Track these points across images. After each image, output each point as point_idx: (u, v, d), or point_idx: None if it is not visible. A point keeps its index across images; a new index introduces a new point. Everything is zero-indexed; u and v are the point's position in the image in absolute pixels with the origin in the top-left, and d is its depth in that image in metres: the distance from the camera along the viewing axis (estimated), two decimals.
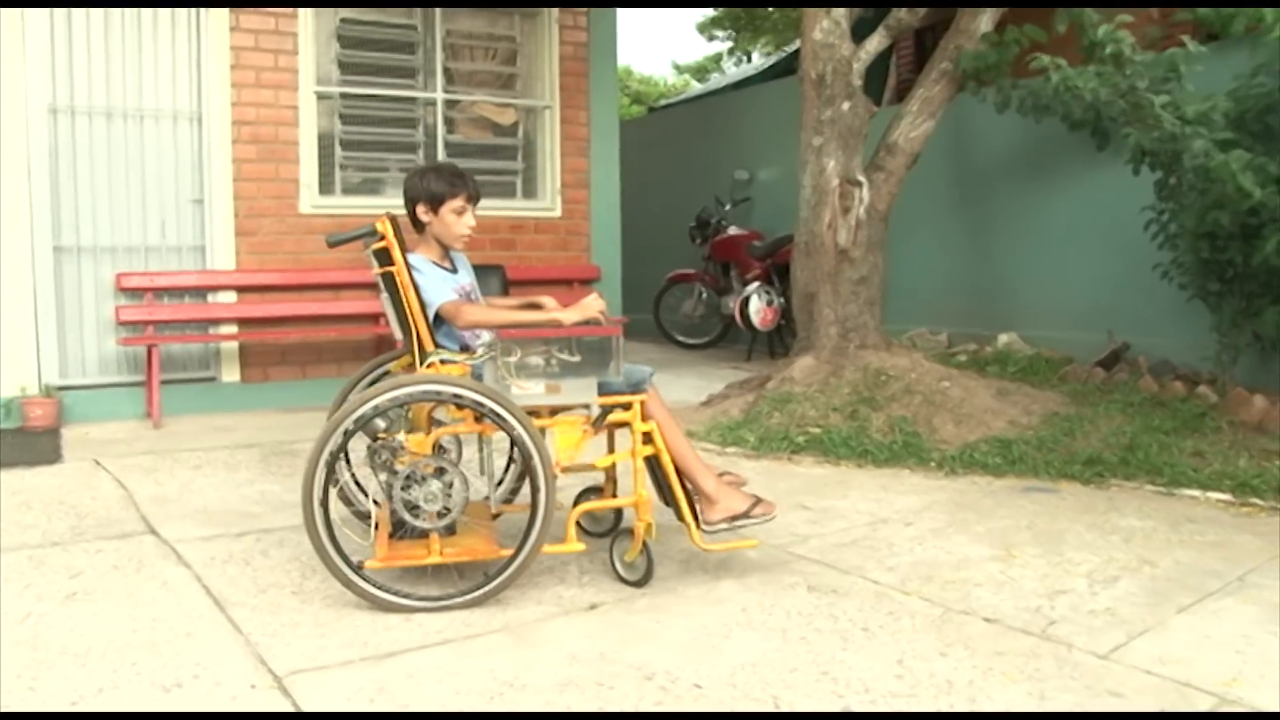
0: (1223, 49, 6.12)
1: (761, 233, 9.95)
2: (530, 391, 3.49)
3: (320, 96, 7.50)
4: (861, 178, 6.73)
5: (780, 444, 5.78)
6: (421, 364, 3.63)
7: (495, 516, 3.90)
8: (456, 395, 3.41)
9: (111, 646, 3.07)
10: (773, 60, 16.74)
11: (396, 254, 3.61)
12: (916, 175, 7.34)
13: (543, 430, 3.53)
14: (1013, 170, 8.15)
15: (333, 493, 3.44)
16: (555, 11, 8.31)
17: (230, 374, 7.28)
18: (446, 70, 7.98)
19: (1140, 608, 3.49)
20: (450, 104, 8.04)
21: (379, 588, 3.40)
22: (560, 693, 2.80)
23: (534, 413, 3.53)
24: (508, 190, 8.32)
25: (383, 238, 3.61)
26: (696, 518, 3.67)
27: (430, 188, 3.80)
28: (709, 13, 20.75)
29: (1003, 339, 7.95)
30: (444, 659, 3.03)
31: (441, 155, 7.92)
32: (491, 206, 8.07)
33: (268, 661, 2.99)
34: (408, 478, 3.38)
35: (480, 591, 3.44)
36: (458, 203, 3.80)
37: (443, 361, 3.63)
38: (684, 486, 3.68)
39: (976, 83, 7.00)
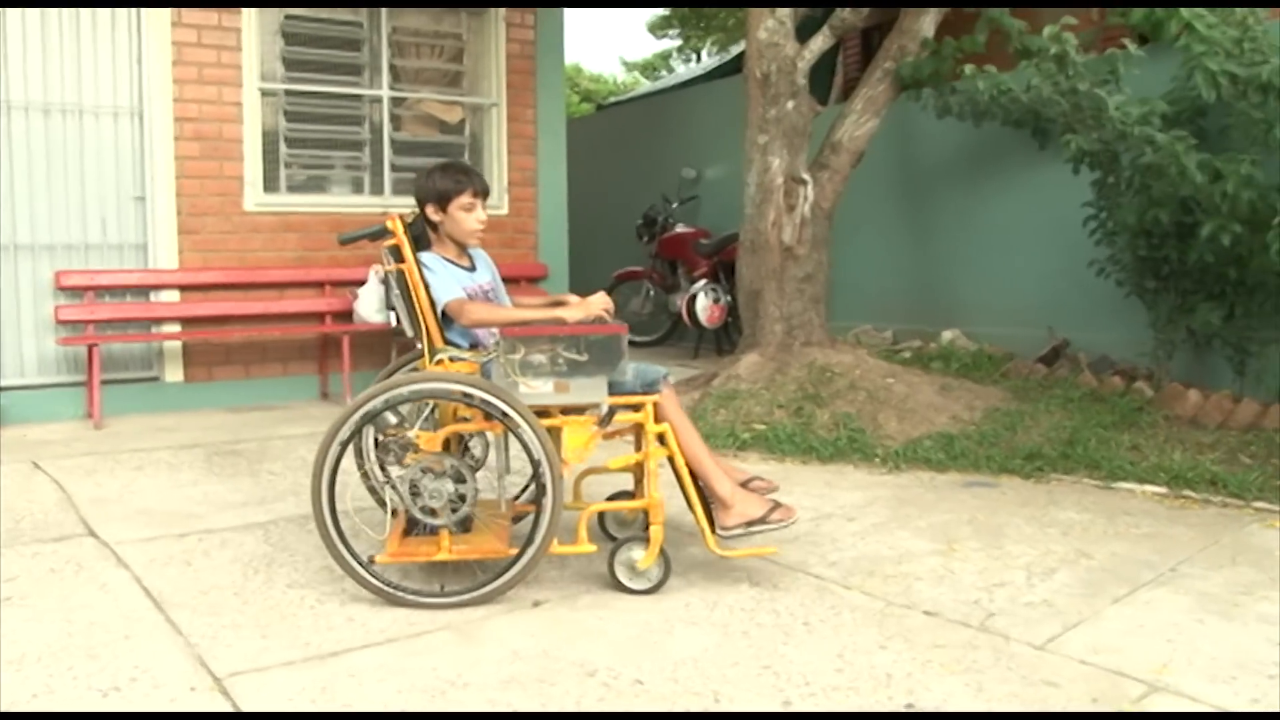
0: (1155, 53, 6.22)
1: (709, 230, 9.99)
2: (538, 390, 3.46)
3: (265, 93, 7.45)
4: (806, 176, 6.78)
5: (726, 440, 5.81)
6: (431, 361, 3.64)
7: (517, 519, 3.85)
8: (465, 393, 3.42)
9: (47, 651, 3.03)
10: (721, 59, 16.79)
11: (407, 251, 3.62)
12: (861, 173, 7.41)
13: (554, 429, 3.52)
14: (956, 168, 8.25)
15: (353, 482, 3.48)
16: (502, 9, 8.29)
17: (174, 374, 7.20)
18: (393, 67, 7.94)
19: (1076, 599, 3.56)
20: (396, 101, 8.00)
21: (387, 583, 3.42)
22: (503, 690, 2.81)
23: (544, 412, 3.50)
24: None
25: (393, 235, 3.61)
26: (713, 523, 3.63)
27: (437, 186, 3.77)
28: (659, 11, 20.77)
29: (946, 335, 8.04)
30: (387, 658, 3.03)
31: (388, 153, 7.89)
32: None
33: (208, 663, 2.97)
34: (417, 475, 3.40)
35: (487, 589, 3.44)
36: (465, 199, 3.77)
37: (451, 359, 3.63)
38: (700, 491, 3.64)
39: (916, 88, 7.08)
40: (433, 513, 3.43)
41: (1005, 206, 7.87)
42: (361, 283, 7.50)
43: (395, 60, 7.97)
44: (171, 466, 5.43)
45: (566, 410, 3.56)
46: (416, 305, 3.65)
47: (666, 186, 10.43)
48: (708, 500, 3.64)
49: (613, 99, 20.69)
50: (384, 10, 7.80)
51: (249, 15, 7.29)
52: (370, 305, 7.43)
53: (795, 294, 6.78)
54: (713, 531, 3.61)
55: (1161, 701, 2.77)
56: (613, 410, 3.59)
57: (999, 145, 7.72)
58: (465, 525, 3.56)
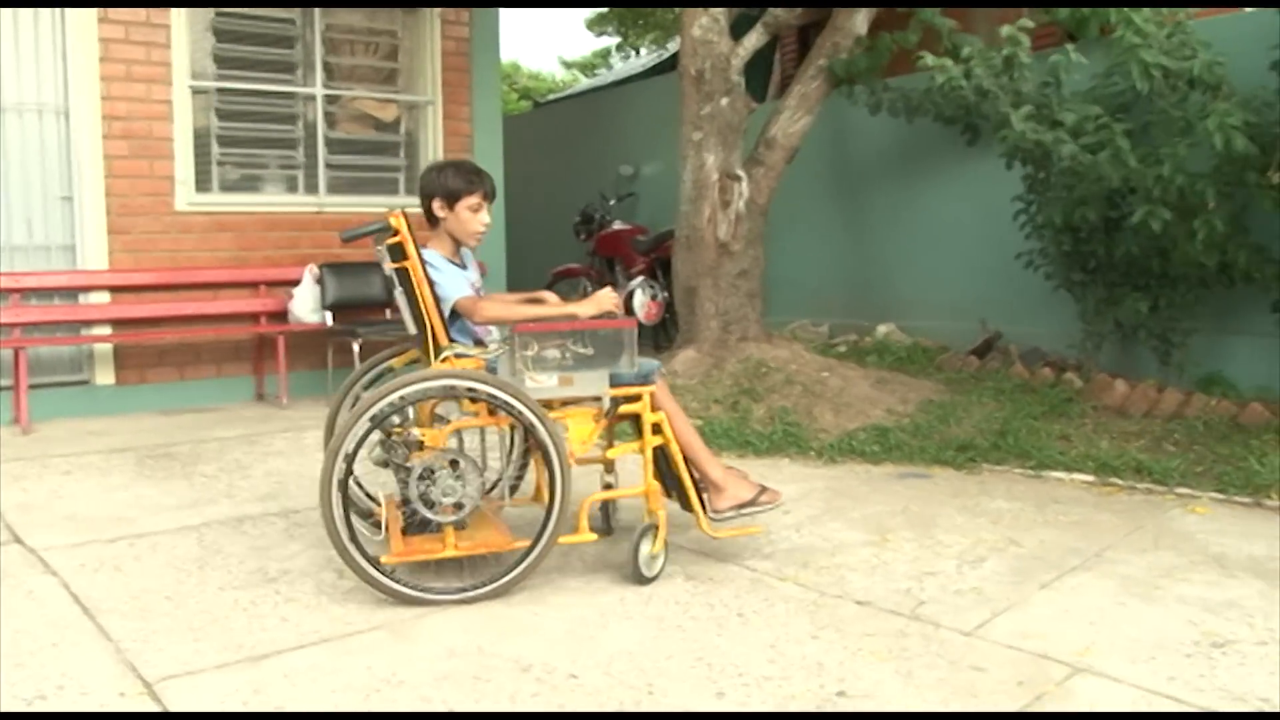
0: (1083, 48, 6.34)
1: (646, 227, 10.01)
2: (544, 384, 3.52)
3: (195, 91, 7.35)
4: (741, 172, 6.83)
5: None
6: (436, 358, 3.62)
7: (498, 509, 3.95)
8: (471, 389, 3.46)
9: None
10: (659, 56, 16.82)
11: (411, 249, 3.58)
12: (796, 169, 7.47)
13: (559, 422, 3.59)
14: (889, 164, 8.33)
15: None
16: (437, 8, 8.25)
17: (104, 377, 7.09)
18: (327, 65, 7.88)
19: (1005, 586, 3.63)
20: (331, 99, 7.94)
21: (400, 582, 3.42)
22: (437, 687, 2.81)
23: (548, 405, 3.57)
24: (390, 187, 8.25)
25: (397, 233, 3.58)
26: (704, 506, 3.75)
27: (448, 184, 3.76)
28: (597, 9, 20.75)
29: (881, 329, 8.13)
30: (321, 658, 3.01)
31: (322, 151, 7.83)
32: (373, 203, 8.01)
33: (138, 668, 2.93)
34: (425, 472, 3.42)
35: (502, 581, 3.48)
36: (474, 199, 3.76)
37: (458, 356, 3.63)
38: (691, 476, 3.74)
39: (849, 84, 7.15)
40: (444, 509, 3.45)
41: (938, 201, 7.97)
42: (297, 283, 7.45)
43: (329, 58, 7.91)
44: (101, 471, 5.36)
45: (569, 403, 3.66)
46: (421, 303, 3.62)
47: (604, 184, 10.44)
48: (698, 485, 3.76)
49: (551, 96, 20.66)
50: (317, 8, 7.73)
51: (179, 11, 7.19)
52: (305, 305, 7.38)
53: (731, 290, 6.82)
54: (705, 514, 3.73)
55: (1084, 683, 2.83)
56: (616, 402, 3.65)
57: (931, 141, 7.81)
58: (463, 521, 3.58)
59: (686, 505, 3.77)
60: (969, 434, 5.71)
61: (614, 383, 3.61)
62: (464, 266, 3.87)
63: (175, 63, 7.20)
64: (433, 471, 3.42)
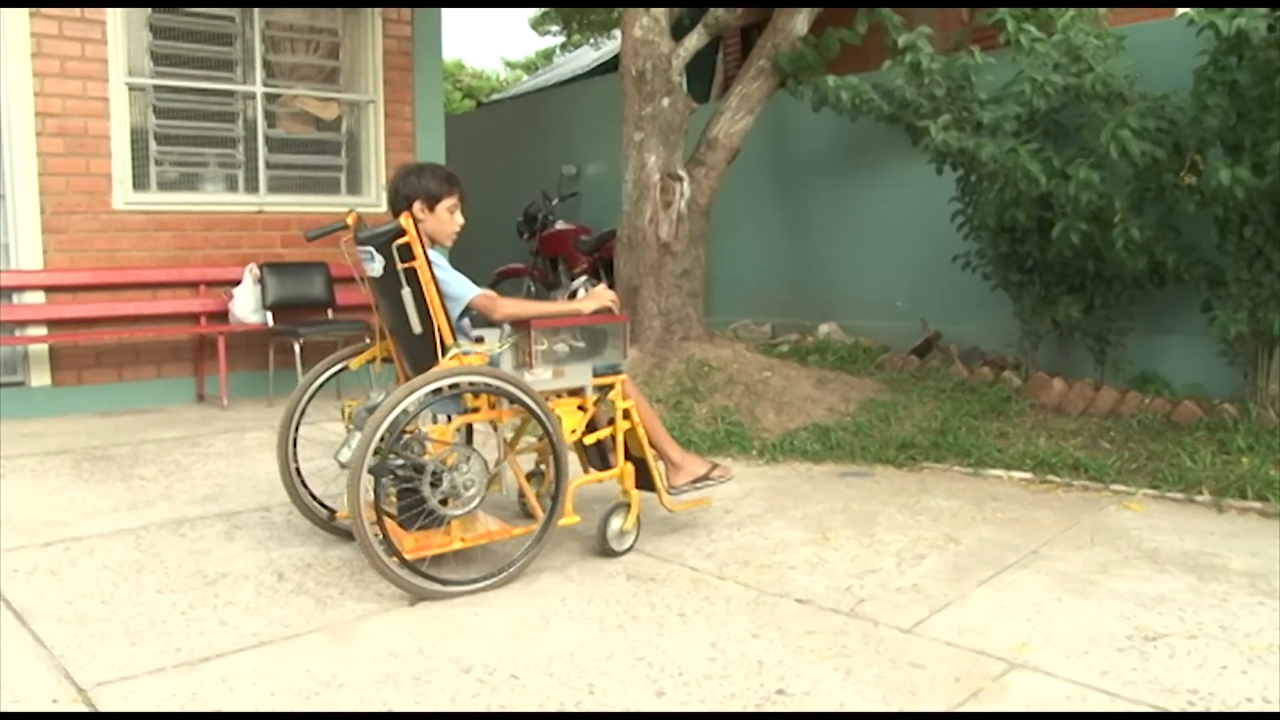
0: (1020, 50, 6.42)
1: (589, 227, 10.01)
2: (542, 377, 3.80)
3: (132, 88, 7.23)
4: (682, 172, 6.85)
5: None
6: (444, 356, 3.66)
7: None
8: (487, 384, 3.61)
9: None
10: (602, 57, 16.79)
11: (419, 250, 3.63)
12: (738, 170, 7.51)
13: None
14: (830, 164, 8.40)
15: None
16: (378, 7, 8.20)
17: (40, 378, 6.96)
18: (267, 63, 7.79)
19: (943, 583, 3.67)
20: (271, 98, 7.85)
21: (423, 576, 3.48)
22: (377, 689, 2.80)
23: (544, 397, 3.79)
24: (331, 186, 8.18)
25: (405, 233, 3.62)
26: (664, 484, 4.11)
27: (428, 186, 3.89)
28: (539, 8, 20.68)
29: (823, 329, 8.19)
30: (260, 661, 2.99)
31: (262, 150, 7.74)
32: (314, 202, 7.96)
33: (72, 674, 2.89)
34: (439, 467, 3.51)
35: (511, 569, 3.62)
36: (452, 200, 3.94)
37: (464, 353, 3.69)
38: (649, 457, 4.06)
39: (795, 81, 7.20)
40: (446, 502, 3.54)
41: (879, 202, 8.04)
42: (237, 283, 7.37)
43: (269, 56, 7.81)
44: (36, 474, 5.26)
45: (558, 394, 3.92)
46: (428, 302, 3.66)
47: (547, 183, 10.42)
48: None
49: (494, 96, 20.57)
50: (256, 7, 7.64)
51: (114, 8, 7.07)
52: (246, 305, 7.30)
53: (673, 289, 6.85)
54: (665, 491, 4.11)
55: (1020, 678, 2.87)
56: (605, 389, 3.96)
57: (873, 141, 7.88)
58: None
59: (649, 484, 4.06)
60: (910, 433, 5.77)
61: (593, 373, 3.91)
62: None
63: (111, 59, 7.08)
64: (446, 466, 3.51)
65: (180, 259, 7.42)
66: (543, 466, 4.25)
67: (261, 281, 7.33)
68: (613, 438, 4.02)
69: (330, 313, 7.63)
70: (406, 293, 3.66)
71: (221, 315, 7.38)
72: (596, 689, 2.80)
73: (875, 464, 5.48)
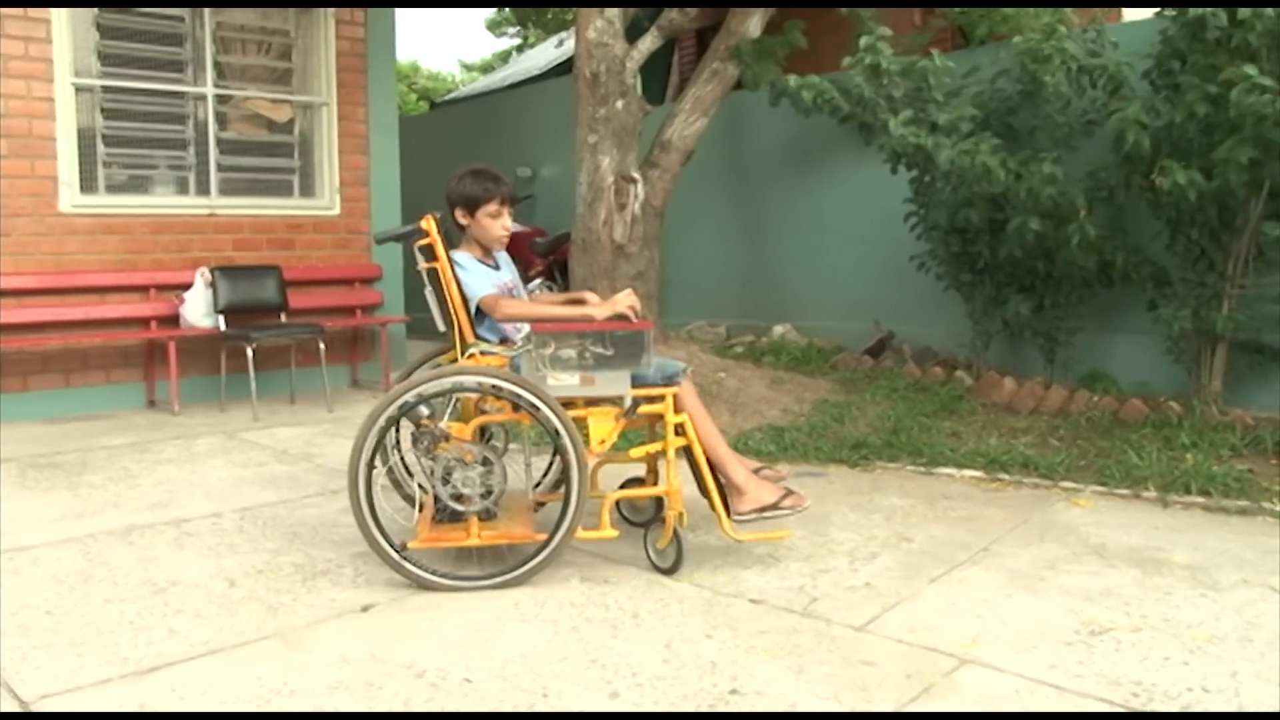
0: (969, 56, 6.51)
1: (544, 229, 10.01)
2: (565, 383, 3.65)
3: (79, 89, 7.14)
4: (636, 174, 6.87)
5: None
6: (462, 355, 3.75)
7: (539, 506, 4.07)
8: (495, 386, 3.57)
9: None
10: (556, 59, 16.76)
11: (440, 250, 3.73)
12: (693, 172, 7.53)
13: (580, 420, 3.70)
14: (784, 167, 8.45)
15: (380, 474, 3.61)
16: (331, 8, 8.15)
17: None
18: (218, 64, 7.72)
19: (895, 581, 3.70)
20: (222, 99, 7.78)
21: (420, 567, 3.58)
22: (330, 696, 2.78)
23: (569, 403, 3.70)
24: (284, 189, 8.12)
25: (427, 234, 3.73)
26: (728, 508, 3.79)
27: (465, 192, 3.92)
28: (494, 8, 20.61)
29: (778, 330, 8.23)
30: (211, 670, 2.96)
31: (213, 152, 7.67)
32: (266, 205, 7.89)
33: (15, 688, 2.84)
34: (450, 463, 3.56)
35: (519, 571, 3.61)
36: (492, 206, 3.92)
37: (482, 353, 3.75)
38: (716, 478, 3.81)
39: (754, 74, 7.21)
40: (463, 499, 3.58)
41: (833, 204, 8.10)
42: (188, 286, 7.30)
43: (220, 57, 7.74)
44: None
45: (592, 402, 3.76)
46: (449, 301, 3.76)
47: None
48: (723, 487, 3.82)
49: (448, 96, 20.48)
50: (207, 7, 7.57)
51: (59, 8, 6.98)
52: (198, 309, 7.24)
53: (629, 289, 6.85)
54: (728, 516, 3.79)
55: (970, 674, 2.90)
56: (637, 401, 3.76)
57: (827, 144, 7.94)
58: (492, 512, 3.70)
59: (711, 506, 3.84)
60: (863, 432, 5.82)
61: (637, 383, 3.72)
62: (496, 268, 4.03)
63: (57, 59, 6.98)
64: (458, 464, 3.55)
65: (129, 263, 7.34)
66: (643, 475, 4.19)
67: (213, 285, 7.27)
68: (688, 452, 3.81)
69: (283, 316, 7.58)
70: (429, 291, 3.81)
71: (172, 319, 7.31)
72: (550, 692, 2.80)
73: (829, 464, 5.51)
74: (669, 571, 3.74)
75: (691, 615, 3.36)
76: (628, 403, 3.73)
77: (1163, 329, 5.74)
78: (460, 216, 3.94)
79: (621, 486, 4.21)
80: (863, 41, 6.33)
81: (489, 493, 3.59)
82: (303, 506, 4.72)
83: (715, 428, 3.92)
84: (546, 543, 3.61)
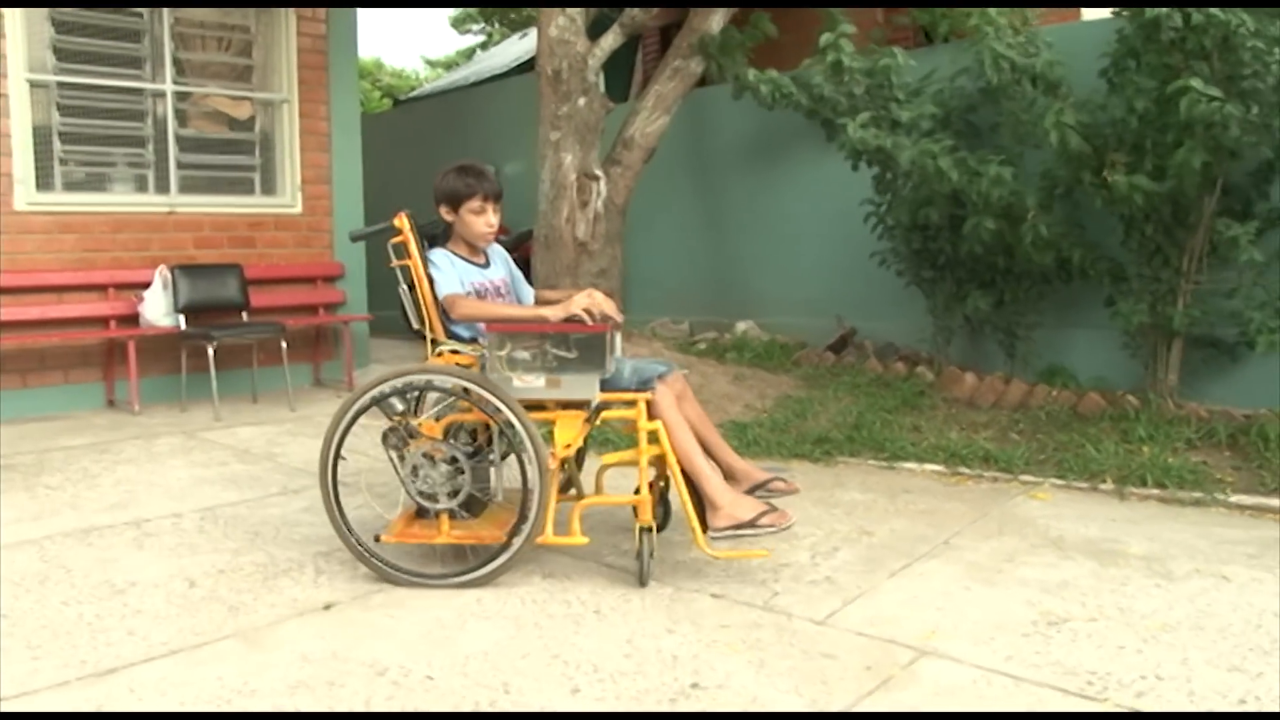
0: (930, 55, 6.56)
1: (506, 227, 9.91)
2: (531, 384, 3.56)
3: (34, 85, 7.03)
4: (599, 172, 6.88)
5: None
6: (432, 353, 3.74)
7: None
8: (465, 388, 3.57)
9: None
10: (519, 58, 16.74)
11: (412, 247, 3.73)
12: (655, 169, 7.54)
13: (552, 422, 3.65)
14: (747, 164, 8.47)
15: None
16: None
17: None
18: (176, 60, 7.63)
19: (856, 575, 3.73)
20: (181, 96, 7.70)
21: (385, 562, 3.63)
22: (291, 695, 2.78)
23: (540, 405, 3.62)
24: (245, 186, 8.06)
25: (400, 231, 3.74)
26: (704, 523, 3.61)
27: (449, 188, 3.85)
28: (458, 8, 20.58)
29: (741, 326, 8.26)
30: (170, 670, 2.95)
31: (173, 150, 7.59)
32: (227, 203, 7.83)
33: None
34: (418, 461, 3.55)
35: (479, 573, 3.58)
36: (475, 203, 3.83)
37: (451, 351, 3.73)
38: (694, 490, 3.65)
39: (719, 66, 7.22)
40: (430, 497, 3.57)
41: (795, 201, 8.14)
42: (147, 285, 7.23)
43: (179, 53, 7.66)
44: None
45: (566, 405, 3.64)
46: (421, 299, 3.74)
47: None
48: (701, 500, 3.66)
49: (411, 94, 20.40)
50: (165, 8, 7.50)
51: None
52: (157, 309, 7.17)
53: (590, 289, 6.85)
54: (704, 531, 3.60)
55: (929, 665, 2.94)
56: (600, 406, 3.62)
57: (789, 141, 7.98)
58: (473, 511, 3.66)
59: (688, 518, 3.64)
60: (825, 428, 5.85)
61: (610, 387, 3.61)
62: (486, 265, 3.97)
63: (10, 54, 6.87)
64: (426, 461, 3.54)
65: (88, 261, 7.26)
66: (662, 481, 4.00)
67: (173, 284, 7.20)
68: (640, 461, 3.64)
69: (245, 315, 7.52)
70: (403, 289, 3.77)
71: (132, 319, 7.23)
72: (512, 688, 2.81)
73: (791, 459, 5.54)
74: (641, 583, 3.61)
75: (653, 611, 3.38)
76: (593, 406, 3.63)
77: (1121, 324, 5.81)
78: (445, 213, 3.88)
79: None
80: (824, 39, 6.36)
81: (455, 492, 3.56)
82: (264, 506, 4.70)
83: (691, 438, 3.67)
84: (505, 546, 3.55)
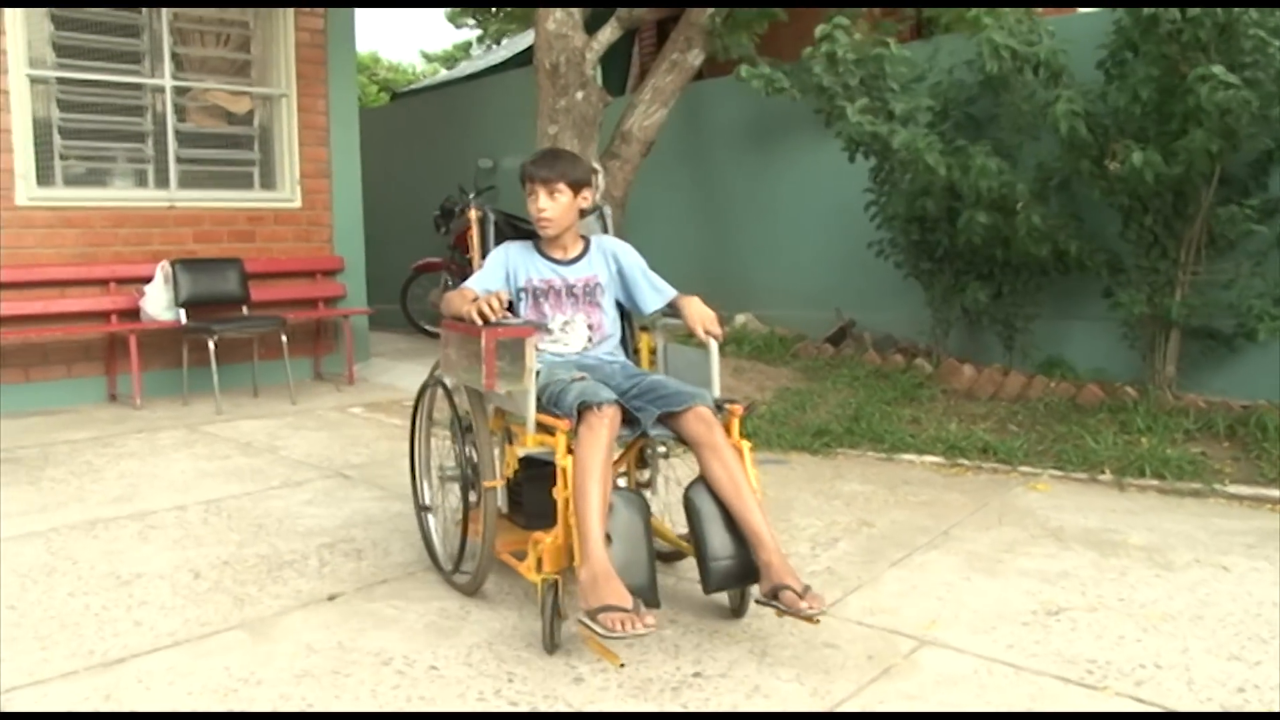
0: (933, 44, 6.57)
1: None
2: (500, 391, 3.15)
3: (34, 80, 7.04)
4: (597, 165, 6.88)
5: None
6: None
7: None
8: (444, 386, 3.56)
9: None
10: (511, 51, 16.73)
11: (474, 241, 3.75)
12: (653, 162, 7.55)
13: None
14: (745, 156, 8.48)
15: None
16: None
17: None
18: (175, 56, 7.64)
19: (857, 565, 3.76)
20: (180, 91, 7.71)
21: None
22: (296, 684, 2.80)
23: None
24: (244, 181, 8.06)
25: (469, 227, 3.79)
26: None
27: (521, 174, 3.56)
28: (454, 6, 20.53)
29: (740, 319, 8.27)
30: (177, 660, 2.97)
31: (172, 145, 7.60)
32: (227, 198, 7.85)
33: None
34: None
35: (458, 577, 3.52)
36: (529, 187, 3.51)
37: None
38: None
39: (726, 45, 7.22)
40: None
41: (794, 193, 8.14)
42: (148, 280, 7.24)
43: (178, 48, 7.67)
44: None
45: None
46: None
47: (463, 177, 10.38)
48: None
49: (409, 88, 20.38)
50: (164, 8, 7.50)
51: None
52: (158, 303, 7.18)
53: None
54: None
55: (929, 654, 2.96)
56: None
57: (785, 132, 7.98)
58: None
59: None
60: (824, 420, 5.87)
61: (547, 407, 3.14)
62: (571, 260, 3.62)
63: (11, 50, 6.88)
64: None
65: (89, 256, 7.27)
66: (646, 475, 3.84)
67: (174, 278, 7.22)
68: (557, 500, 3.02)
69: (245, 309, 7.53)
70: None
71: (133, 313, 7.25)
72: (516, 677, 2.83)
73: (791, 451, 5.56)
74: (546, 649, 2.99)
75: None
76: (530, 428, 3.13)
77: (1121, 314, 5.83)
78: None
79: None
80: (819, 30, 6.36)
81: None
82: (267, 498, 4.72)
83: (597, 489, 2.90)
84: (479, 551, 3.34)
